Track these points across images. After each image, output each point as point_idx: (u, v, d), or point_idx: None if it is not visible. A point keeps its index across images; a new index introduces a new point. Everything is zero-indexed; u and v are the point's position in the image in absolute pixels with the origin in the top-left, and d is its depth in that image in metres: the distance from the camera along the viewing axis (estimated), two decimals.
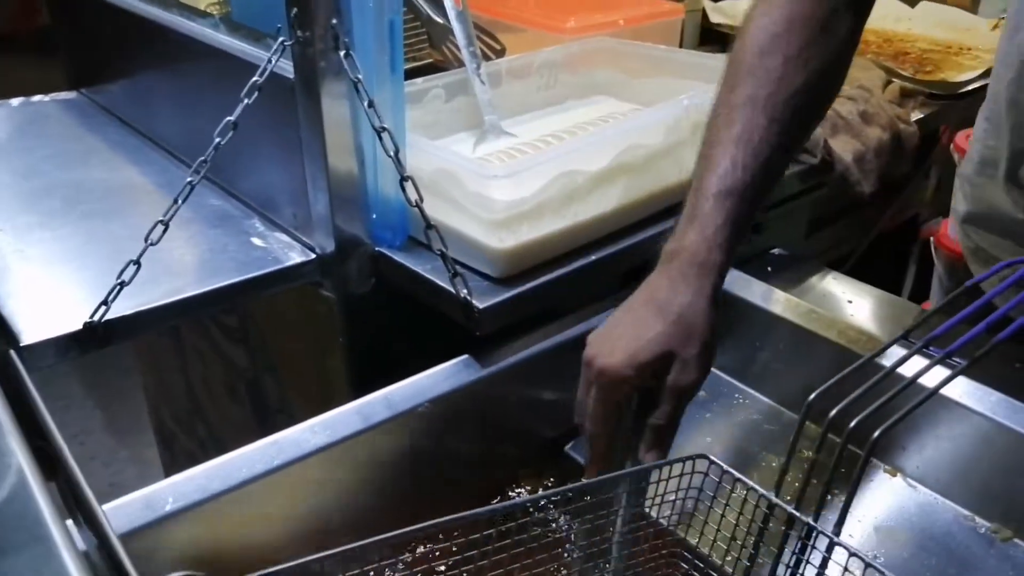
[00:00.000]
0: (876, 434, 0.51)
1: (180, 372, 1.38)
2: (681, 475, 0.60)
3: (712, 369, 0.99)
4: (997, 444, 0.76)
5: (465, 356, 0.81)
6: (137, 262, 0.75)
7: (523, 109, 1.09)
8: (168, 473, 1.68)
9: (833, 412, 0.54)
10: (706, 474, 0.60)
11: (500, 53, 1.16)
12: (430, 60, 1.23)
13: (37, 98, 1.31)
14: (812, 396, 0.56)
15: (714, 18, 1.58)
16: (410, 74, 0.89)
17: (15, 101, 1.29)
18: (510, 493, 0.84)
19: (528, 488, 0.85)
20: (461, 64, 1.13)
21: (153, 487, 0.65)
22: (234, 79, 0.90)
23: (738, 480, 0.59)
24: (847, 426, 0.54)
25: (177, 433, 1.54)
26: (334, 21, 0.76)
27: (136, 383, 1.69)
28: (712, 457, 0.60)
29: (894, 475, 0.84)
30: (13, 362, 0.55)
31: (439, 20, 1.15)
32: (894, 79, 1.30)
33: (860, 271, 1.29)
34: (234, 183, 0.99)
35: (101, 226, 0.94)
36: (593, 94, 1.16)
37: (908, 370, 0.59)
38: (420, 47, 1.23)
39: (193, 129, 1.06)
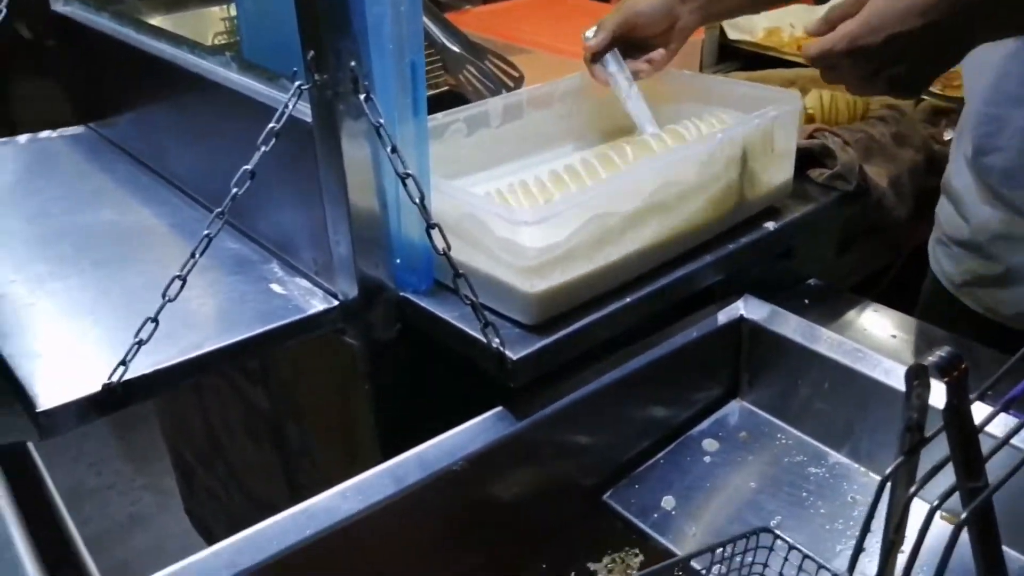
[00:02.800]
0: (965, 514, 0.47)
1: (199, 411, 1.35)
2: (745, 551, 0.57)
3: (752, 407, 0.97)
4: None
5: (499, 408, 0.78)
6: (155, 319, 0.72)
7: (547, 142, 1.05)
8: (188, 506, 1.66)
9: (913, 489, 0.50)
10: (771, 549, 0.57)
11: (518, 81, 1.13)
12: (447, 87, 1.20)
13: (45, 134, 1.28)
14: (889, 471, 0.52)
15: (732, 35, 1.55)
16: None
17: (23, 138, 1.26)
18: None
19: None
20: (478, 92, 1.10)
21: (177, 566, 0.61)
22: (248, 119, 0.87)
23: (806, 557, 0.55)
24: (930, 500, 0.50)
25: (196, 468, 1.51)
26: (353, 63, 0.73)
27: (153, 410, 1.66)
28: (776, 531, 0.57)
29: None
30: (31, 455, 0.51)
31: (454, 48, 1.11)
32: (924, 96, 1.26)
33: (897, 289, 1.25)
34: (251, 225, 0.96)
35: (114, 274, 0.91)
36: (618, 122, 1.12)
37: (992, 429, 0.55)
38: (436, 74, 1.20)
39: (205, 167, 1.03)
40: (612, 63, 0.99)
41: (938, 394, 0.53)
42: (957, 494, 0.50)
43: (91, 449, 2.32)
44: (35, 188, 1.10)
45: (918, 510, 0.53)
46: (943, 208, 1.04)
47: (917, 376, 0.51)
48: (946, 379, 0.50)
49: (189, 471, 1.55)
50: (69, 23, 1.22)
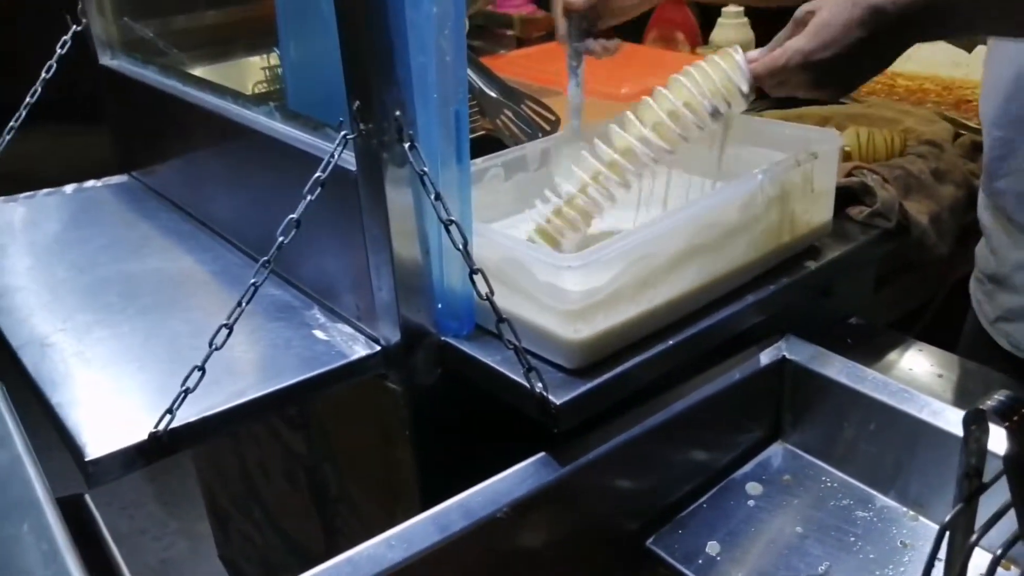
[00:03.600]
0: None
1: (235, 454, 1.35)
2: None
3: (795, 449, 0.95)
4: None
5: (542, 454, 0.77)
6: (202, 368, 0.73)
7: None
8: (222, 552, 1.66)
9: (975, 538, 0.49)
10: None
11: (554, 124, 1.14)
12: (483, 132, 1.21)
13: (89, 184, 1.31)
14: (948, 518, 0.51)
15: None
16: None
17: (69, 188, 1.29)
18: None
19: None
20: (514, 136, 1.11)
21: None
22: (291, 167, 0.88)
23: None
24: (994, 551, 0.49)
25: (232, 513, 1.51)
26: (398, 113, 0.74)
27: (186, 454, 1.67)
28: None
29: None
30: (87, 505, 0.52)
31: (491, 93, 1.13)
32: (962, 131, 1.25)
33: (938, 325, 1.24)
34: (293, 271, 0.97)
35: (160, 322, 0.92)
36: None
37: None
38: (473, 119, 1.22)
39: (248, 214, 1.05)
40: (575, 33, 1.00)
41: (996, 438, 0.52)
42: (1021, 542, 0.49)
43: (124, 492, 2.33)
44: (82, 237, 1.12)
45: (979, 559, 0.52)
46: (980, 243, 1.04)
47: (975, 421, 0.51)
48: (1006, 424, 0.49)
49: (224, 516, 1.55)
50: (115, 75, 1.26)
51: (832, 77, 0.79)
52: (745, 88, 0.85)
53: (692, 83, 0.85)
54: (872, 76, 0.83)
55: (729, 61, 0.85)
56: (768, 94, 0.87)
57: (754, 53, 0.85)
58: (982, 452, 0.52)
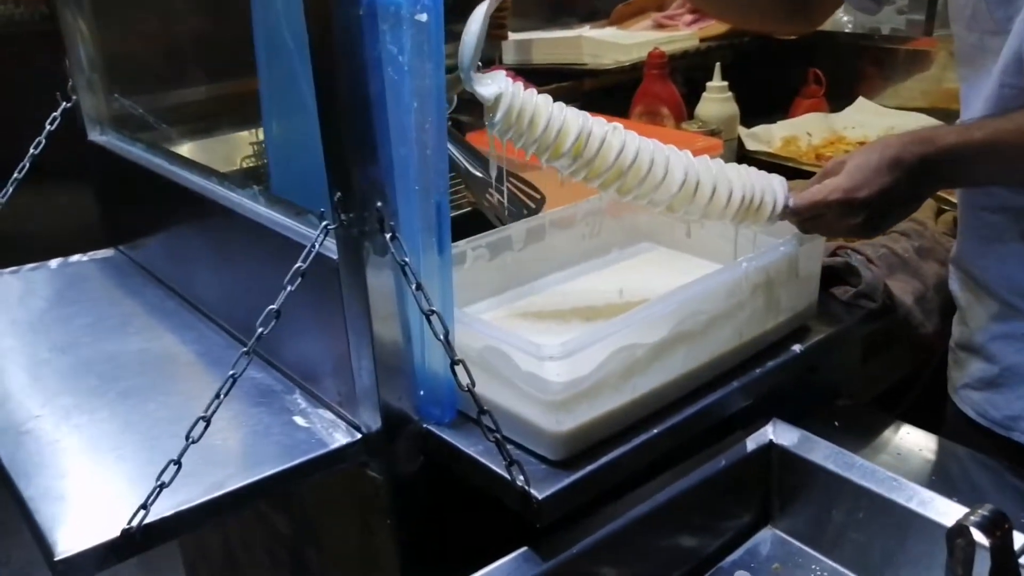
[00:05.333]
0: None
1: (218, 532, 1.33)
2: None
3: (785, 535, 0.94)
4: None
5: (524, 549, 0.76)
6: (178, 462, 0.71)
7: (569, 262, 1.06)
8: None
9: None
10: None
11: (540, 203, 1.14)
12: (469, 208, 1.21)
13: (75, 258, 1.31)
14: None
15: (750, 145, 1.57)
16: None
17: (54, 263, 1.29)
18: None
19: None
20: (501, 215, 1.11)
21: None
22: (274, 252, 0.88)
23: None
24: None
25: None
26: (379, 203, 0.74)
27: None
28: None
29: None
30: None
31: (478, 174, 1.13)
32: (945, 207, 1.26)
33: (927, 398, 1.23)
34: (275, 354, 0.96)
35: (140, 406, 0.91)
36: (638, 240, 1.13)
37: None
38: (459, 196, 1.22)
39: (231, 295, 1.04)
40: None
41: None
42: None
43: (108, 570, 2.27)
44: (65, 315, 1.12)
45: None
46: (956, 314, 1.08)
47: (960, 535, 0.50)
48: (990, 540, 0.48)
49: None
50: (103, 151, 1.26)
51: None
52: (780, 204, 0.88)
53: (746, 172, 0.88)
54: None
55: (777, 179, 0.89)
56: (801, 231, 0.91)
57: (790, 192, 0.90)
58: (968, 564, 0.51)
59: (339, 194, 0.74)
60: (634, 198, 0.85)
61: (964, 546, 0.50)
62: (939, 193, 1.30)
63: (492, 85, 0.80)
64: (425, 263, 0.77)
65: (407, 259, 0.74)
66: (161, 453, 0.72)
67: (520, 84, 0.82)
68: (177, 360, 1.01)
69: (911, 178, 0.82)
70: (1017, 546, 0.62)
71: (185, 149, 1.37)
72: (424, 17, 0.69)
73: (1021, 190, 0.91)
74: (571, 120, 0.82)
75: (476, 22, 0.77)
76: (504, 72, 0.83)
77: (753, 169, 0.90)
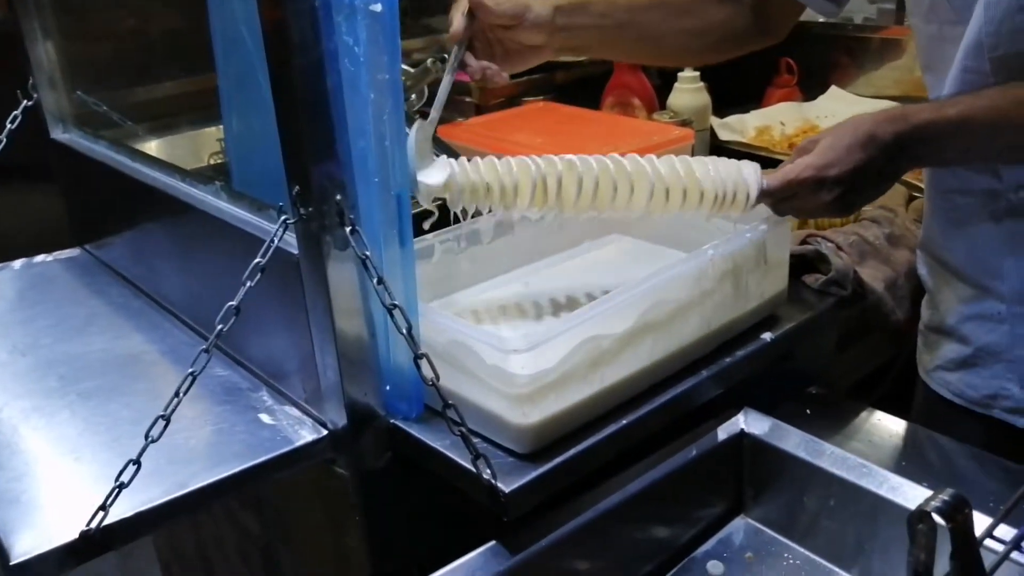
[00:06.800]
0: None
1: (191, 532, 1.31)
2: None
3: (757, 524, 0.94)
4: None
5: (493, 543, 0.75)
6: (137, 461, 0.70)
7: (539, 254, 1.05)
8: None
9: None
10: None
11: None
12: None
13: (40, 258, 1.29)
14: None
15: (723, 135, 1.57)
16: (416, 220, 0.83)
17: (17, 263, 1.26)
18: None
19: None
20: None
21: None
22: (236, 247, 0.87)
23: None
24: None
25: None
26: (338, 197, 0.73)
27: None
28: None
29: None
30: None
31: None
32: (915, 194, 1.26)
33: (901, 385, 1.23)
34: (241, 351, 0.94)
35: (101, 406, 0.89)
36: (609, 231, 1.12)
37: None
38: None
39: (195, 292, 1.03)
40: (467, 33, 0.93)
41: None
42: None
43: (84, 570, 2.25)
44: (27, 317, 1.10)
45: None
46: (924, 298, 1.08)
47: (921, 520, 0.49)
48: (950, 525, 0.48)
49: None
50: (67, 150, 1.24)
51: (837, 195, 0.83)
52: (753, 194, 0.87)
53: (713, 167, 0.87)
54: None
55: (748, 168, 0.88)
56: (776, 213, 0.90)
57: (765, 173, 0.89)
58: (931, 549, 0.50)
59: (297, 188, 0.73)
60: (609, 214, 0.87)
61: (926, 531, 0.50)
62: (909, 180, 1.31)
63: (437, 173, 0.83)
64: (387, 256, 0.75)
65: (368, 253, 0.73)
66: (122, 454, 0.70)
67: (464, 162, 0.85)
68: (141, 360, 1.00)
69: (885, 156, 0.81)
70: (982, 528, 0.62)
71: (152, 146, 1.35)
72: (378, 7, 0.68)
73: (988, 172, 0.91)
74: (523, 176, 0.84)
75: (411, 140, 0.80)
76: (445, 157, 0.86)
77: (723, 161, 0.89)
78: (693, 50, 1.11)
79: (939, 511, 0.47)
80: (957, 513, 0.47)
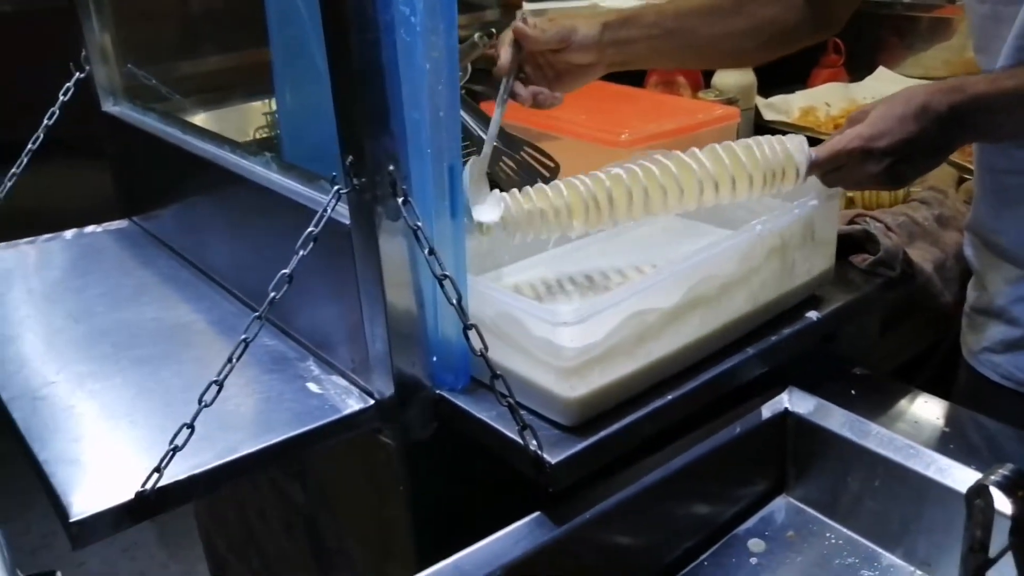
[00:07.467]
0: None
1: (234, 501, 1.34)
2: None
3: (799, 504, 0.93)
4: None
5: (537, 514, 0.76)
6: (191, 426, 0.72)
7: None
8: None
9: None
10: None
11: (554, 171, 1.13)
12: None
13: (90, 229, 1.31)
14: None
15: (767, 115, 1.55)
16: None
17: (68, 234, 1.29)
18: None
19: None
20: (513, 183, 1.10)
21: None
22: (287, 218, 0.88)
23: None
24: None
25: (230, 560, 1.49)
26: (391, 168, 0.73)
27: None
28: None
29: None
30: None
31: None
32: (966, 176, 1.24)
33: (946, 369, 1.22)
34: (289, 321, 0.96)
35: (153, 373, 0.91)
36: None
37: None
38: None
39: (245, 264, 1.04)
40: (514, 65, 0.94)
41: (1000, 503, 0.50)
42: None
43: (125, 534, 2.30)
44: (80, 285, 1.12)
45: None
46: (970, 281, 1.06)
47: (979, 495, 0.49)
48: (1012, 499, 0.47)
49: (222, 562, 1.53)
50: (117, 122, 1.26)
51: (887, 167, 0.81)
52: (803, 169, 0.86)
53: (758, 150, 0.86)
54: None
55: (794, 142, 0.87)
56: (825, 184, 0.88)
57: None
58: (988, 526, 0.50)
59: (351, 158, 0.74)
60: (663, 215, 0.88)
61: (983, 507, 0.49)
62: (959, 160, 1.28)
63: (492, 210, 0.85)
64: (438, 227, 0.76)
65: (419, 223, 0.73)
66: (174, 418, 0.72)
67: (516, 193, 0.86)
68: (190, 328, 1.01)
69: (940, 127, 0.79)
70: None
71: (198, 120, 1.37)
72: None
73: None
74: (573, 198, 0.85)
75: (466, 176, 0.80)
76: (498, 192, 0.87)
77: (767, 139, 0.87)
78: (746, 51, 1.09)
79: (999, 485, 0.46)
80: (1018, 488, 0.46)
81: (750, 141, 0.87)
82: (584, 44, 0.95)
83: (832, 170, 0.85)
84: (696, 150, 0.86)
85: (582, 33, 0.95)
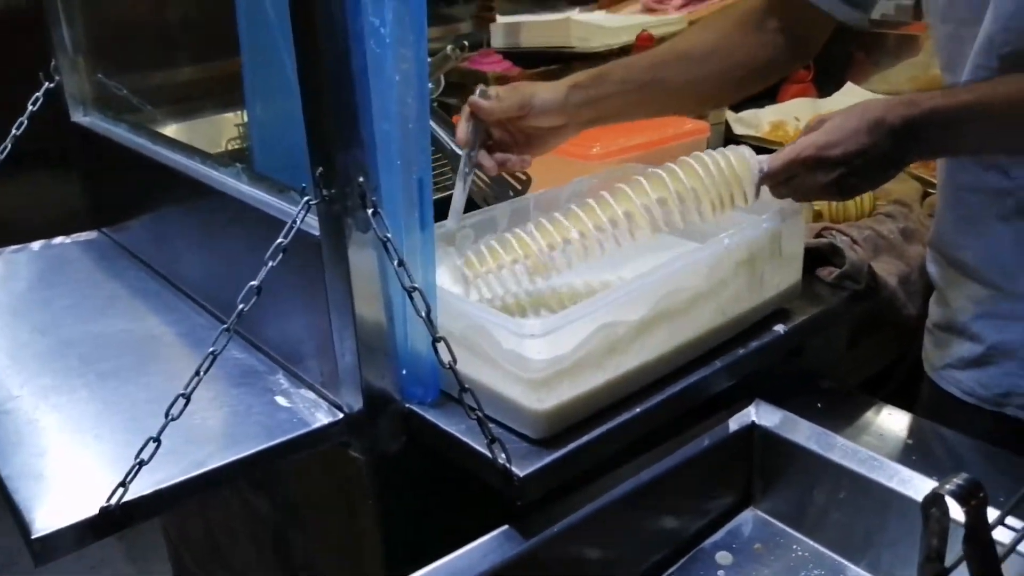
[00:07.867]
0: None
1: (200, 515, 1.32)
2: None
3: (767, 516, 0.94)
4: None
5: (506, 527, 0.76)
6: (157, 439, 0.71)
7: None
8: None
9: None
10: None
11: (526, 184, 1.13)
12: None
13: (58, 240, 1.30)
14: None
15: (737, 129, 1.57)
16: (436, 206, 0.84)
17: (36, 245, 1.28)
18: None
19: None
20: (484, 195, 1.11)
21: None
22: (257, 230, 0.87)
23: None
24: None
25: (197, 573, 1.48)
26: (361, 179, 0.73)
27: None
28: None
29: None
30: None
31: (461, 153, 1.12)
32: (930, 190, 1.26)
33: (912, 383, 1.23)
34: (258, 334, 0.95)
35: (120, 387, 0.90)
36: None
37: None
38: (445, 178, 1.22)
39: (214, 275, 1.04)
40: (474, 137, 0.94)
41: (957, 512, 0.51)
42: None
43: (91, 551, 2.26)
44: (47, 297, 1.11)
45: None
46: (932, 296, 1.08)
47: (934, 504, 0.50)
48: (965, 508, 0.48)
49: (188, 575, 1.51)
50: (87, 132, 1.25)
51: (837, 177, 0.81)
52: (753, 187, 0.86)
53: (704, 169, 0.86)
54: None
55: (740, 158, 0.86)
56: (775, 196, 0.88)
57: (763, 157, 0.87)
58: (943, 535, 0.51)
59: (321, 169, 0.74)
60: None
61: (939, 516, 0.50)
62: (924, 175, 1.31)
63: (453, 282, 0.88)
64: (407, 239, 0.76)
65: (389, 235, 0.73)
66: (141, 432, 0.71)
67: (472, 260, 0.87)
68: (159, 341, 1.01)
69: (894, 140, 0.79)
70: (992, 520, 0.62)
71: (170, 131, 1.36)
72: None
73: (998, 170, 0.90)
74: (524, 251, 0.86)
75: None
76: (457, 264, 0.89)
77: (719, 155, 0.87)
78: (724, 92, 1.09)
79: (953, 495, 0.47)
80: (971, 497, 0.47)
81: (698, 159, 0.87)
82: (547, 109, 0.94)
83: (784, 181, 0.85)
84: (643, 181, 0.86)
85: (542, 98, 0.94)
